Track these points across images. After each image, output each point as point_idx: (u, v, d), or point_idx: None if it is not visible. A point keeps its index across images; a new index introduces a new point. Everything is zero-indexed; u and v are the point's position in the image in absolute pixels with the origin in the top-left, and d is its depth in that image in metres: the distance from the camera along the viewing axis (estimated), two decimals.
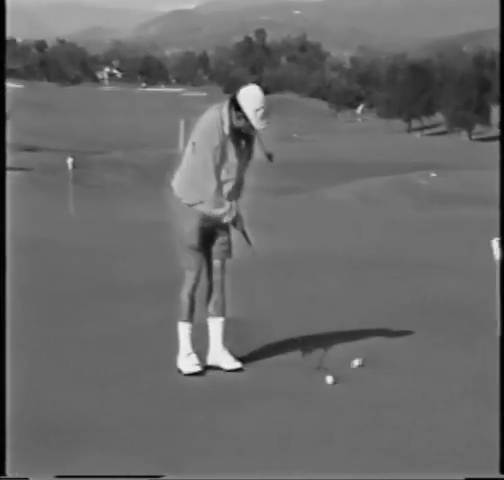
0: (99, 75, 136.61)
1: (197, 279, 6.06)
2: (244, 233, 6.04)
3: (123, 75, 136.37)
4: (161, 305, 7.37)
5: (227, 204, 5.99)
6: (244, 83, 7.09)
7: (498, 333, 5.42)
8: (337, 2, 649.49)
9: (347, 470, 4.22)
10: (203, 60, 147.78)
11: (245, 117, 5.90)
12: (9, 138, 5.75)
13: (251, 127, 5.94)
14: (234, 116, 5.94)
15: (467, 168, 35.76)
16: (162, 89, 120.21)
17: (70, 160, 24.41)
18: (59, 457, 4.42)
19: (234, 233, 6.13)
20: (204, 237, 6.06)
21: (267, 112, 5.97)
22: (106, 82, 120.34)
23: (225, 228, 6.07)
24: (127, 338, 6.72)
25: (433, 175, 30.82)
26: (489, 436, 4.50)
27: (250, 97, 5.93)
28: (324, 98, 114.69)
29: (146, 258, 10.95)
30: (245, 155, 6.11)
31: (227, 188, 6.04)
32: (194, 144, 6.02)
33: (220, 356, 6.06)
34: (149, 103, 71.38)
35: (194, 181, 6.01)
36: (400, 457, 4.40)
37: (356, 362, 5.90)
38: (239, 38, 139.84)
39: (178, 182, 6.12)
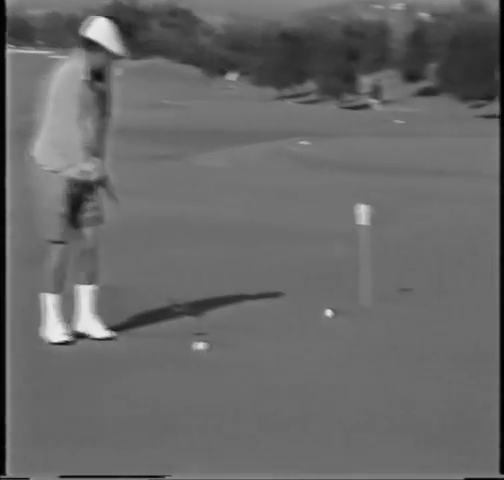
0: None
1: (65, 250, 5.86)
2: (111, 192, 5.82)
3: None
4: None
5: (95, 159, 5.72)
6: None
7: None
8: None
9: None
10: (71, 22, 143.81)
11: (102, 51, 5.71)
12: None
13: (110, 57, 5.75)
14: (90, 54, 5.70)
15: (337, 136, 36.13)
16: (29, 51, 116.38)
17: None
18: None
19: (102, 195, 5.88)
20: (73, 204, 5.80)
21: (118, 36, 5.81)
22: None
23: (94, 193, 5.83)
24: None
25: (304, 143, 30.93)
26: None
27: (101, 28, 5.76)
28: (197, 64, 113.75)
29: None
30: (105, 106, 5.87)
31: (92, 143, 5.74)
32: (55, 101, 5.78)
33: (91, 324, 5.93)
34: (14, 66, 69.07)
35: (56, 141, 5.70)
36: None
37: (328, 312, 6.41)
38: (108, 1, 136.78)
39: (39, 149, 5.84)
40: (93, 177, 5.74)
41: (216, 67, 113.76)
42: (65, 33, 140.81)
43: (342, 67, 77.01)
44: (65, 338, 5.88)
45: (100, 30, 5.78)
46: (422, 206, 15.44)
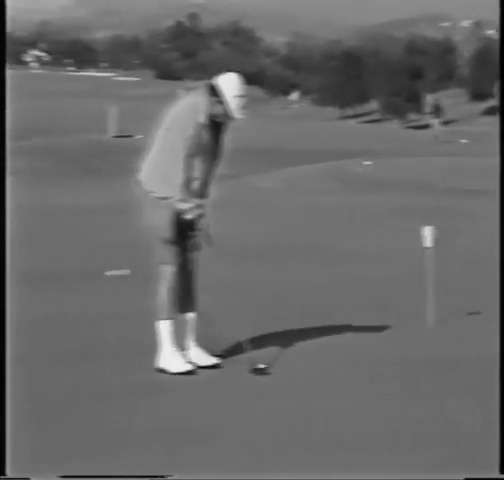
0: (25, 58, 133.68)
1: (176, 274, 5.83)
2: (207, 233, 5.82)
3: (50, 58, 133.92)
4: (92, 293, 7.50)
5: (192, 201, 5.73)
6: (177, 68, 6.83)
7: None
8: None
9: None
10: (134, 44, 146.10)
11: (223, 104, 5.65)
12: None
13: (227, 116, 5.68)
14: (211, 103, 5.65)
15: (400, 156, 35.84)
16: (92, 73, 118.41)
17: None
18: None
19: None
20: (178, 230, 5.83)
21: (246, 102, 5.75)
22: (32, 65, 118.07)
23: (194, 221, 5.89)
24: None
25: (366, 163, 30.68)
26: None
27: (231, 83, 5.69)
28: (259, 84, 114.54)
29: (78, 244, 10.99)
30: (216, 150, 5.83)
31: (196, 183, 5.77)
32: (168, 131, 5.71)
33: (195, 353, 5.89)
34: (77, 87, 70.44)
35: (164, 174, 5.71)
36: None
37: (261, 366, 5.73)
38: (171, 22, 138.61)
39: (147, 175, 5.82)
40: (189, 216, 5.77)
41: (277, 87, 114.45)
42: (127, 55, 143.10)
43: (405, 86, 76.64)
44: (188, 368, 5.76)
45: (229, 87, 5.70)
46: (487, 227, 15.12)
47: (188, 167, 5.73)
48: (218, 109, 5.71)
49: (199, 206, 5.80)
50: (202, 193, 5.89)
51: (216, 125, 5.83)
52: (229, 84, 5.71)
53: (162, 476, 4.04)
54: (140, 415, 5.06)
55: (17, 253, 10.90)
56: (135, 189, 5.92)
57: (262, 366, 5.66)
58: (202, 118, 5.72)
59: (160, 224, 5.79)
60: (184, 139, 5.67)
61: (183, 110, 5.78)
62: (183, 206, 5.73)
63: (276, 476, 4.10)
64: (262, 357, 5.81)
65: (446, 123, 65.38)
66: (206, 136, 5.77)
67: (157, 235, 5.83)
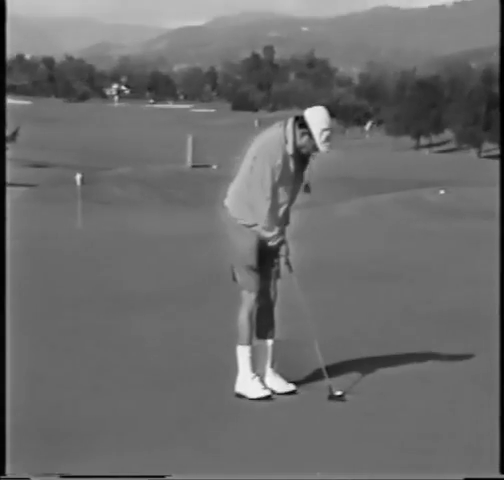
0: (107, 91, 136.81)
1: (257, 301, 5.91)
2: (287, 259, 5.94)
3: (131, 91, 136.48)
4: (177, 316, 7.50)
5: (276, 228, 5.87)
6: (253, 99, 7.08)
7: (497, 336, 5.34)
8: (344, 18, 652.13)
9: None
10: (211, 76, 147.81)
11: (309, 136, 5.78)
12: (17, 153, 5.78)
13: (314, 148, 5.80)
14: (298, 135, 5.80)
15: (475, 185, 35.63)
16: (170, 105, 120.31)
17: (79, 176, 24.34)
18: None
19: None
20: (261, 257, 5.93)
21: (332, 135, 5.86)
22: (114, 98, 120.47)
23: (276, 248, 5.98)
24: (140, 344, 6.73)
25: (442, 192, 30.64)
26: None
27: (318, 116, 5.83)
28: (332, 114, 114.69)
29: (157, 270, 10.96)
30: (299, 179, 5.95)
31: (280, 211, 5.91)
32: (255, 159, 5.84)
33: (272, 379, 5.94)
34: (157, 119, 71.60)
35: (251, 202, 5.87)
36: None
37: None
38: (247, 54, 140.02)
39: (233, 201, 5.96)
40: (272, 243, 5.91)
41: (351, 116, 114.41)
42: (204, 86, 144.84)
43: (481, 115, 76.05)
44: (267, 393, 5.84)
45: (317, 117, 5.84)
46: None
47: (274, 196, 5.88)
48: (305, 140, 5.82)
49: (282, 233, 5.93)
50: (284, 221, 6.02)
51: (300, 156, 5.94)
52: (316, 117, 5.83)
53: (161, 476, 4.06)
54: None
55: (105, 276, 11.30)
56: (221, 215, 6.03)
57: (339, 393, 5.71)
58: (290, 149, 5.85)
59: (245, 250, 5.91)
60: (272, 168, 5.80)
61: (272, 140, 5.91)
62: (268, 234, 5.86)
63: (279, 476, 4.15)
64: (340, 384, 5.80)
65: None
66: (292, 166, 5.90)
67: (241, 261, 5.93)
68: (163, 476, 4.04)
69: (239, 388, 5.83)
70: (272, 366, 5.97)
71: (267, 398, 5.78)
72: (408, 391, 5.50)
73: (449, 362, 6.27)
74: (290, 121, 5.85)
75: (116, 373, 5.88)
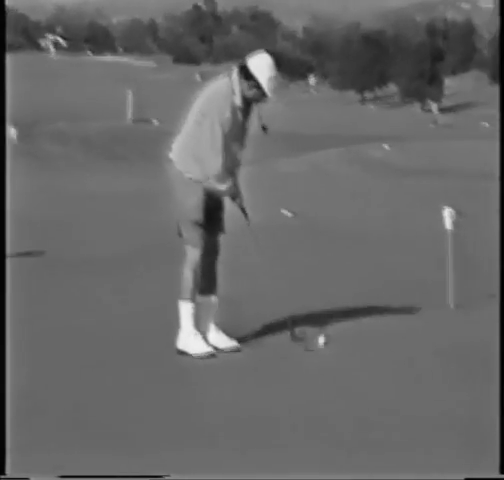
0: (42, 43, 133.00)
1: (201, 256, 5.84)
2: (243, 209, 5.90)
3: (67, 43, 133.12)
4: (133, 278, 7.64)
5: (229, 180, 5.81)
6: (195, 52, 6.91)
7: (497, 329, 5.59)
8: None
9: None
10: (151, 28, 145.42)
11: (257, 86, 5.70)
12: None
13: (263, 96, 5.74)
14: (246, 85, 5.70)
15: (420, 140, 35.70)
16: (109, 58, 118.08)
17: (13, 131, 23.56)
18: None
19: (229, 208, 6.03)
20: (207, 212, 5.86)
21: (279, 80, 5.82)
22: (51, 50, 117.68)
23: (221, 204, 5.95)
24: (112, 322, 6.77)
25: (386, 147, 30.63)
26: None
27: (264, 65, 5.71)
28: (276, 59, 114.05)
29: (104, 230, 11.05)
30: (246, 128, 5.93)
31: (229, 163, 5.84)
32: (202, 113, 5.74)
33: (215, 335, 5.88)
34: (95, 72, 70.39)
35: (199, 156, 5.73)
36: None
37: (321, 340, 5.90)
38: (188, 6, 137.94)
39: (180, 155, 5.84)
40: (226, 195, 5.85)
41: (296, 71, 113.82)
42: (145, 39, 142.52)
43: (426, 69, 76.02)
44: (209, 350, 5.76)
45: (262, 67, 5.73)
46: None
47: (224, 149, 5.75)
48: (251, 90, 5.75)
49: (235, 186, 5.86)
50: (234, 172, 5.93)
51: (246, 108, 5.89)
52: (261, 66, 5.71)
53: (161, 476, 4.01)
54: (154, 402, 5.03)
55: (41, 238, 11.00)
56: (166, 168, 5.88)
57: (302, 336, 5.91)
58: (238, 101, 5.76)
59: (191, 205, 5.79)
60: (221, 121, 5.71)
61: (218, 93, 5.78)
62: (222, 186, 5.77)
63: (278, 476, 4.08)
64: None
65: (467, 107, 64.93)
66: (240, 117, 5.83)
67: (186, 216, 5.83)
68: (163, 476, 4.00)
69: (181, 345, 5.73)
70: (215, 323, 5.92)
71: (210, 356, 5.73)
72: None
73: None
74: (235, 71, 5.72)
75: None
